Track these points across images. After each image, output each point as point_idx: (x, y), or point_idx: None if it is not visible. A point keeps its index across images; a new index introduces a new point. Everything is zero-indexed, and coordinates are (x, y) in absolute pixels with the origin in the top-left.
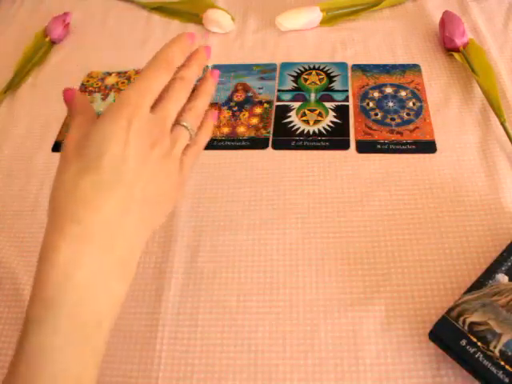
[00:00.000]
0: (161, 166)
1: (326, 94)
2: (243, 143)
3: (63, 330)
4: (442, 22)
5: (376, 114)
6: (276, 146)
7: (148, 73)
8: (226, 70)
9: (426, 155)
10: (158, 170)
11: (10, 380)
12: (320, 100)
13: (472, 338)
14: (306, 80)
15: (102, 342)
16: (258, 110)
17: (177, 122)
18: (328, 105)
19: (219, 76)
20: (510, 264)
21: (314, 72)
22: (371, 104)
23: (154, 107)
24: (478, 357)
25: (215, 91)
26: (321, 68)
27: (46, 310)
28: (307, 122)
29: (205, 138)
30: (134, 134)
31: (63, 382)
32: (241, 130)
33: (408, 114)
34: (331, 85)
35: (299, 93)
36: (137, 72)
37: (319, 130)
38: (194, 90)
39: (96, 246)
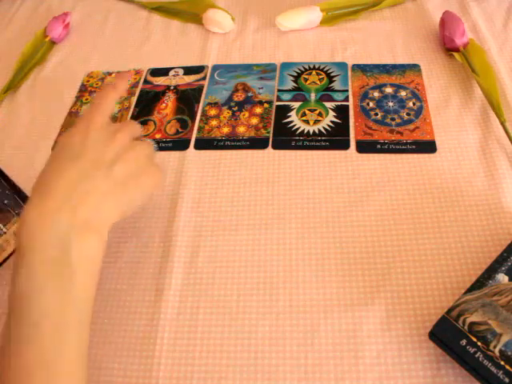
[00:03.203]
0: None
1: (326, 93)
2: (243, 143)
3: (38, 274)
4: (442, 22)
5: (376, 114)
6: (276, 146)
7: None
8: (226, 69)
9: (426, 155)
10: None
11: (3, 330)
12: (320, 100)
13: (472, 337)
14: (306, 80)
15: (81, 294)
16: (258, 110)
17: None
18: (328, 105)
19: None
20: (510, 264)
21: (314, 72)
22: (371, 104)
23: None
24: (478, 357)
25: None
26: (321, 68)
27: (22, 257)
28: (307, 121)
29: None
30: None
31: (43, 327)
32: (241, 130)
33: (408, 114)
34: (331, 85)
35: (299, 93)
36: (137, 72)
37: (319, 129)
38: None
39: (59, 204)
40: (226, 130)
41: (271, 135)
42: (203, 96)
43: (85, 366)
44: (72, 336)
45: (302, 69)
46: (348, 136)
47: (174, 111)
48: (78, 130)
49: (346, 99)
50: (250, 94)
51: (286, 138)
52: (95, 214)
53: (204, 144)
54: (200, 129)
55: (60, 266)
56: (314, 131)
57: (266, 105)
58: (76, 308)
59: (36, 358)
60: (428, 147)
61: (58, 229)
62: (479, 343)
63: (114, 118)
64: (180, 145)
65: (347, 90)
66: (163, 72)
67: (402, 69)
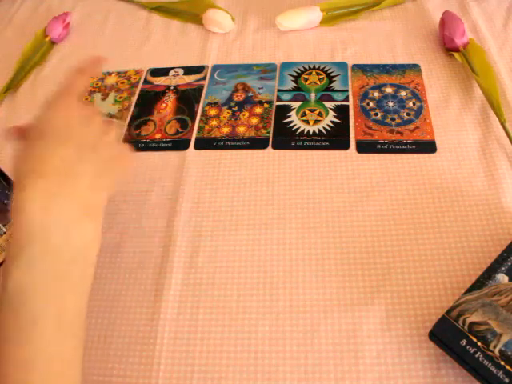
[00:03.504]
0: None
1: (326, 93)
2: (243, 143)
3: (38, 265)
4: (442, 22)
5: (376, 114)
6: (276, 146)
7: None
8: (226, 69)
9: (426, 155)
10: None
11: None
12: (320, 100)
13: (472, 337)
14: (306, 80)
15: (81, 282)
16: (258, 110)
17: None
18: (328, 105)
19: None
20: (510, 264)
21: (314, 72)
22: (371, 104)
23: None
24: (478, 357)
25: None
26: (321, 68)
27: (21, 249)
28: (307, 121)
29: None
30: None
31: (44, 321)
32: (241, 129)
33: (408, 114)
34: (331, 85)
35: (299, 93)
36: (137, 72)
37: (319, 129)
38: None
39: (53, 192)
40: (225, 130)
41: (271, 135)
42: (203, 96)
43: (80, 365)
44: (70, 334)
45: (302, 69)
46: (348, 136)
47: (174, 111)
48: (58, 113)
49: (346, 99)
50: (249, 94)
51: (285, 138)
52: (90, 199)
53: (204, 144)
54: (200, 129)
55: (61, 254)
56: (314, 131)
57: (266, 105)
58: (75, 297)
59: (34, 358)
60: (428, 147)
61: (60, 215)
62: (479, 343)
63: (114, 118)
64: (180, 145)
65: (347, 90)
66: (163, 72)
67: (401, 69)
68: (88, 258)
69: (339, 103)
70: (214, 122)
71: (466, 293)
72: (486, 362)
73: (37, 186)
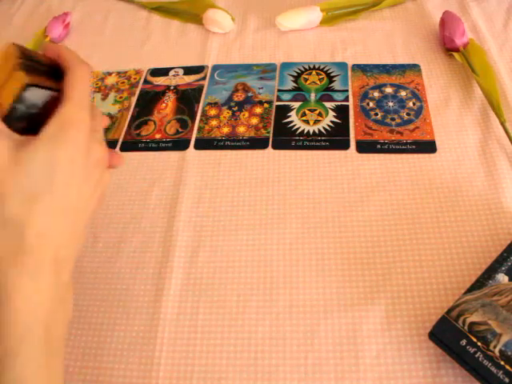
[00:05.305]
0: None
1: (326, 93)
2: (243, 143)
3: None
4: (442, 22)
5: (376, 114)
6: (276, 146)
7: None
8: (226, 69)
9: (426, 155)
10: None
11: None
12: (320, 100)
13: (472, 338)
14: (306, 80)
15: (55, 276)
16: (258, 110)
17: None
18: (328, 105)
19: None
20: (510, 264)
21: (314, 72)
22: (371, 104)
23: None
24: (478, 357)
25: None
26: (321, 68)
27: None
28: (307, 121)
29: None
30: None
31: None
32: (241, 130)
33: (408, 114)
34: (331, 85)
35: (299, 93)
36: (137, 72)
37: (319, 129)
38: None
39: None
40: (226, 129)
41: (271, 135)
42: (203, 96)
43: None
44: None
45: (302, 69)
46: (348, 136)
47: (174, 111)
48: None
49: (346, 99)
50: (250, 94)
51: (286, 138)
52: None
53: (204, 144)
54: (200, 129)
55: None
56: (314, 131)
57: (266, 105)
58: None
59: None
60: (428, 147)
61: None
62: (479, 343)
63: (114, 118)
64: (180, 145)
65: (347, 90)
66: (163, 72)
67: (401, 69)
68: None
69: (339, 103)
70: (213, 122)
71: (465, 293)
72: (486, 362)
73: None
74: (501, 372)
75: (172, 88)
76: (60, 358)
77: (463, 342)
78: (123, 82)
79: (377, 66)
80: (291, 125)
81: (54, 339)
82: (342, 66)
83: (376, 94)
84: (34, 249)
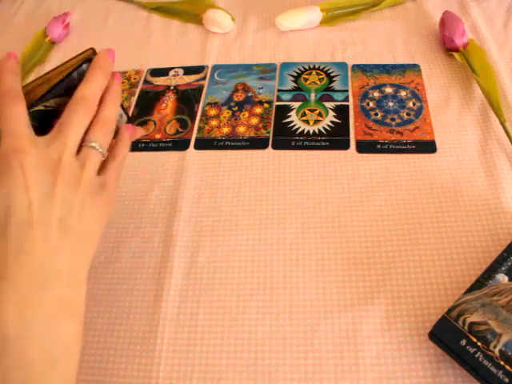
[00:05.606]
0: (73, 193)
1: (326, 93)
2: (243, 143)
3: (12, 377)
4: (442, 22)
5: (376, 114)
6: (276, 146)
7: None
8: (226, 69)
9: (426, 155)
10: (71, 198)
11: None
12: (320, 100)
13: (472, 338)
14: (306, 80)
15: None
16: (258, 110)
17: (83, 143)
18: (328, 105)
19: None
20: (510, 264)
21: (314, 72)
22: (371, 104)
23: (52, 136)
24: (478, 357)
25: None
26: (321, 68)
27: None
28: (307, 122)
29: (123, 150)
30: (30, 177)
31: None
32: (241, 130)
33: (408, 114)
34: (331, 85)
35: (299, 93)
36: (137, 72)
37: (319, 129)
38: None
39: (23, 295)
40: (225, 130)
41: (271, 135)
42: (203, 96)
43: None
44: None
45: (302, 69)
46: (348, 136)
47: (174, 111)
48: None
49: (346, 99)
50: (250, 94)
51: (285, 138)
52: (68, 295)
53: (204, 144)
54: (200, 129)
55: (37, 365)
56: (314, 131)
57: (266, 105)
58: None
59: None
60: (428, 147)
61: (35, 323)
62: (479, 343)
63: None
64: (180, 145)
65: (347, 90)
66: (163, 72)
67: (401, 69)
68: (69, 359)
69: (339, 103)
70: (213, 122)
71: (465, 293)
72: (485, 362)
73: (7, 293)
74: (501, 372)
75: (172, 88)
76: None
77: (463, 342)
78: (123, 82)
79: (377, 66)
80: (291, 125)
81: None
82: (342, 66)
83: (376, 94)
84: None
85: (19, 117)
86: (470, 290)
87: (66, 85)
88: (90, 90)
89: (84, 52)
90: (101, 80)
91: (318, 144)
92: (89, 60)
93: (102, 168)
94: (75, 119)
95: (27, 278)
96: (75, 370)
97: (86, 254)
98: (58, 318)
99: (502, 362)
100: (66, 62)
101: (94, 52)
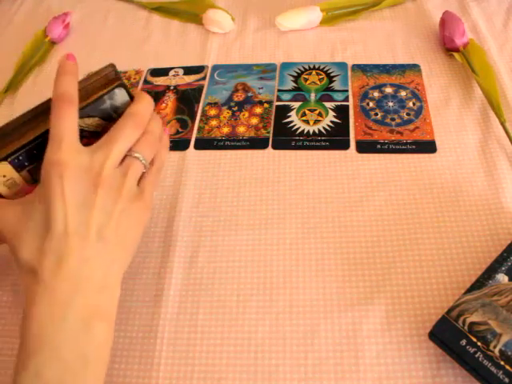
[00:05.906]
0: (113, 202)
1: (326, 93)
2: (243, 143)
3: (46, 374)
4: (442, 22)
5: (376, 114)
6: (276, 146)
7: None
8: (226, 69)
9: (426, 155)
10: (111, 207)
11: None
12: (320, 100)
13: (472, 338)
14: (306, 80)
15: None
16: (258, 110)
17: (128, 153)
18: (328, 105)
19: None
20: (510, 264)
21: (314, 72)
22: (371, 104)
23: (97, 146)
24: (478, 357)
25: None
26: (321, 68)
27: (28, 356)
28: (307, 122)
29: (162, 155)
30: (67, 188)
31: None
32: (241, 130)
33: (408, 114)
34: (331, 85)
35: (299, 93)
36: (137, 72)
37: (319, 129)
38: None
39: (58, 299)
40: (225, 130)
41: (271, 135)
42: (203, 96)
43: None
44: None
45: (302, 69)
46: (348, 136)
47: (174, 111)
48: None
49: (346, 99)
50: (249, 94)
51: (285, 138)
52: (100, 301)
53: (204, 144)
54: (200, 129)
55: (71, 362)
56: (313, 131)
57: (265, 105)
58: None
59: None
60: (428, 147)
61: (69, 323)
62: (479, 343)
63: None
64: (180, 145)
65: (347, 90)
66: (163, 72)
67: (401, 69)
68: (100, 359)
69: (339, 103)
70: (213, 122)
71: (465, 293)
72: (486, 362)
73: (43, 296)
74: (501, 372)
75: (172, 88)
76: None
77: (463, 342)
78: None
79: (377, 66)
80: (291, 125)
81: None
82: (342, 66)
83: (376, 94)
84: None
85: (69, 122)
86: (469, 290)
87: (94, 107)
88: (142, 106)
89: (105, 68)
90: (151, 100)
91: (317, 144)
92: (120, 85)
93: (141, 176)
94: (124, 133)
95: (62, 283)
96: (105, 370)
97: (121, 260)
98: (90, 321)
99: (502, 362)
100: (88, 78)
101: (114, 68)
